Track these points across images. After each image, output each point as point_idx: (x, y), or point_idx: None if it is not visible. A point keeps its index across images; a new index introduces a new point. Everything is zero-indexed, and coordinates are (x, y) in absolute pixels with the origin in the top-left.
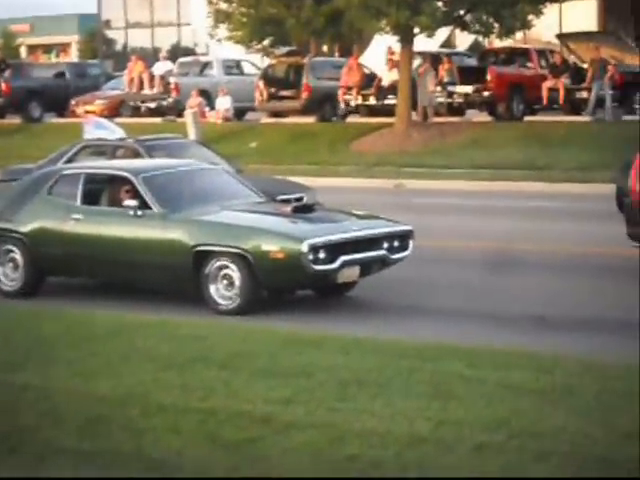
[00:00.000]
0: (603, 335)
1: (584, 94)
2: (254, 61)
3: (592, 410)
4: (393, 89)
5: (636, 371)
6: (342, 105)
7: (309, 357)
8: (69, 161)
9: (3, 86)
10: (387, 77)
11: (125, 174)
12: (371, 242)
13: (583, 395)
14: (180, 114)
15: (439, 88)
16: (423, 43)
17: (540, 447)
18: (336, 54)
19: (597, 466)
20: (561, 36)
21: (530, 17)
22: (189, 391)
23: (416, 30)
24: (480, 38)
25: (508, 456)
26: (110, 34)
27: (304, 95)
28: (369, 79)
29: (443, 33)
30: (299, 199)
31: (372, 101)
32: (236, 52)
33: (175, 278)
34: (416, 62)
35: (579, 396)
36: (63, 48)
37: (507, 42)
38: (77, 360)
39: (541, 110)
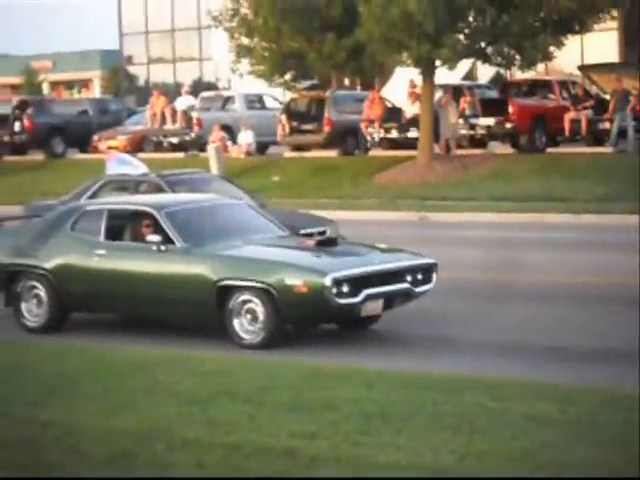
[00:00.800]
0: (626, 366)
1: (607, 125)
2: (276, 95)
3: (617, 441)
4: (415, 122)
5: None
6: (368, 138)
7: (333, 391)
8: (92, 197)
9: (26, 122)
10: (409, 110)
11: (148, 209)
12: (394, 275)
13: (607, 426)
14: (202, 149)
15: (461, 120)
16: (445, 75)
17: (566, 478)
18: (358, 87)
19: None
20: (583, 67)
21: (551, 49)
22: (213, 426)
23: (437, 63)
24: (502, 70)
25: None
26: (132, 70)
27: (326, 129)
28: (391, 112)
29: (464, 65)
30: (322, 233)
31: (394, 134)
32: (258, 86)
33: (199, 313)
34: (438, 95)
35: (603, 427)
36: (85, 84)
37: (529, 74)
38: (101, 395)
39: (563, 142)
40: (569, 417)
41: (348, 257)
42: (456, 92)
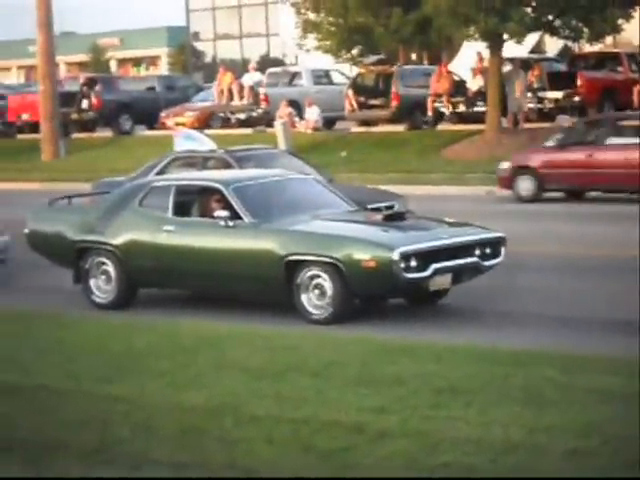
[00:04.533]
0: None
1: None
2: (343, 70)
3: None
4: (482, 95)
5: None
6: (430, 113)
7: (402, 365)
8: (160, 173)
9: (94, 100)
10: (472, 84)
11: (216, 185)
12: (463, 249)
13: None
14: (270, 124)
15: (529, 94)
16: (512, 49)
17: (634, 452)
18: (425, 62)
19: None
20: None
21: (620, 21)
22: (282, 401)
23: (505, 36)
24: (570, 43)
25: (602, 461)
26: (199, 46)
27: (393, 103)
28: (458, 86)
29: (532, 39)
30: (390, 207)
31: (462, 108)
32: (325, 62)
33: (267, 288)
34: (505, 68)
35: None
36: (152, 61)
37: (597, 47)
38: (170, 371)
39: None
40: (637, 391)
41: (416, 231)
42: (524, 65)
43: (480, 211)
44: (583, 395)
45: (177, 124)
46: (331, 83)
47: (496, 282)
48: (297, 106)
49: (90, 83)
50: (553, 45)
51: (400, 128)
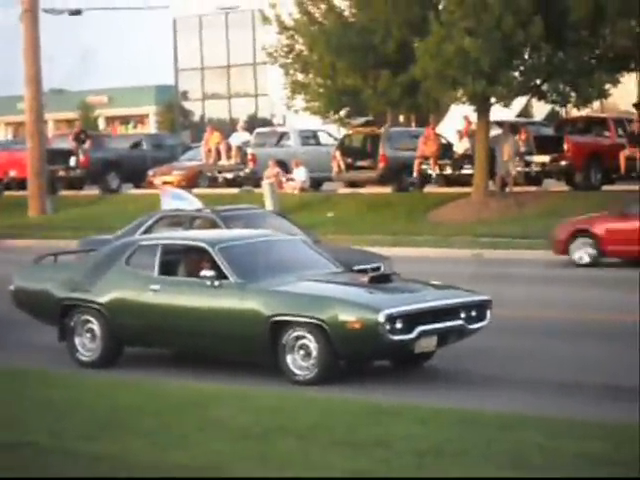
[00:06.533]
0: None
1: None
2: (331, 131)
3: None
4: (469, 158)
5: None
6: (415, 174)
7: (387, 427)
8: (147, 232)
9: (82, 158)
10: (459, 146)
11: (202, 245)
12: (448, 312)
13: None
14: (257, 184)
15: (517, 158)
16: (499, 112)
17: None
18: (413, 124)
19: None
20: (638, 105)
21: (607, 86)
22: (266, 462)
23: (493, 100)
24: (557, 107)
25: None
26: (187, 105)
27: (381, 165)
28: (446, 149)
29: (519, 102)
30: (376, 269)
31: (449, 171)
32: (313, 122)
33: (252, 348)
34: (493, 132)
35: None
36: (140, 119)
37: (584, 111)
38: (154, 431)
39: (619, 179)
40: (623, 456)
41: (402, 293)
42: (511, 129)
43: (466, 274)
44: (569, 460)
45: (164, 183)
46: (319, 144)
47: (482, 345)
48: (285, 166)
49: (81, 135)
50: (540, 109)
51: (387, 190)
